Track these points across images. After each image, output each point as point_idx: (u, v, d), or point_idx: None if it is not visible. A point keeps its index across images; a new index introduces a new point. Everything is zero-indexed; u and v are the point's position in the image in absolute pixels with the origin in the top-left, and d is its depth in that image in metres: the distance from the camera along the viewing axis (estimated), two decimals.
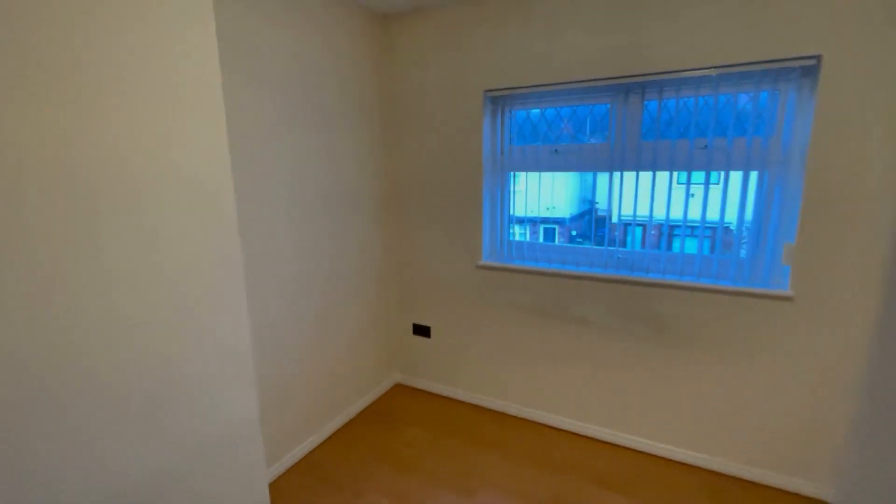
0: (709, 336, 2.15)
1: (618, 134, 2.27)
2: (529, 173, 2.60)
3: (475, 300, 2.75)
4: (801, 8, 1.78)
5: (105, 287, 1.04)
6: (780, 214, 2.01)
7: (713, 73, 1.98)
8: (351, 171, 2.55)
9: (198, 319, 1.25)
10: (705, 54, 1.96)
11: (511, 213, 2.68)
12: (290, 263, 2.21)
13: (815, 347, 1.96)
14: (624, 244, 2.40)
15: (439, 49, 2.57)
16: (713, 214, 2.13)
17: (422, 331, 3.00)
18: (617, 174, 2.30)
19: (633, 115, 2.23)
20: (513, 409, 2.75)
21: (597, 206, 2.63)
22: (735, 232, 2.14)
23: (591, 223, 2.52)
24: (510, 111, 2.56)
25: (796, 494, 2.08)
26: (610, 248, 2.40)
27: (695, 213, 2.17)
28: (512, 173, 2.63)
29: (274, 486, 2.16)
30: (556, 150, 2.44)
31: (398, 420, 2.72)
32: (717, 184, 2.12)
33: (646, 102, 2.19)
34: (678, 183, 2.20)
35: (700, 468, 2.26)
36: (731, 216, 2.13)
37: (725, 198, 2.09)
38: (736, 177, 2.08)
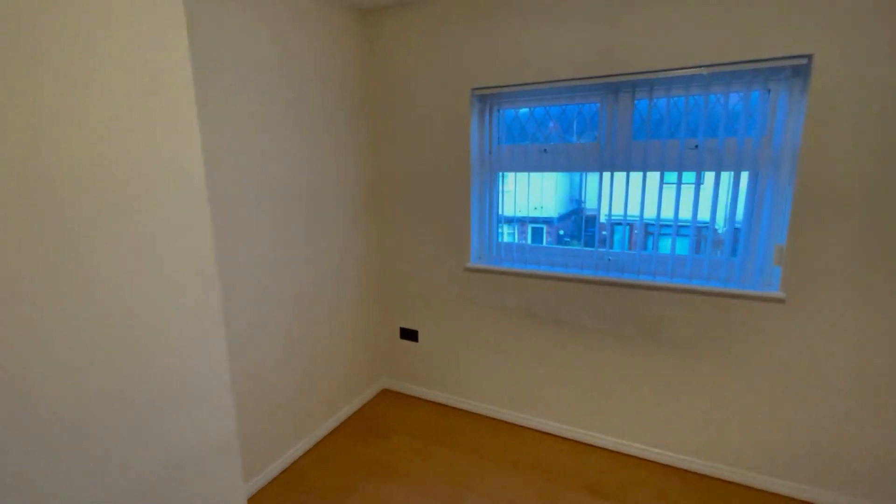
0: (699, 338, 2.13)
1: (608, 134, 2.23)
2: (518, 173, 2.56)
3: (464, 303, 2.69)
4: (792, 7, 1.76)
5: (73, 293, 0.95)
6: (770, 215, 1.99)
7: (704, 72, 1.95)
8: (334, 170, 2.47)
9: (168, 325, 1.16)
10: (695, 53, 1.93)
11: (500, 213, 2.63)
12: (269, 266, 2.12)
13: (806, 349, 1.94)
14: (612, 244, 2.37)
15: (425, 45, 2.51)
16: (703, 215, 2.11)
17: (409, 335, 2.93)
18: (607, 174, 2.26)
19: (623, 115, 2.19)
20: (502, 413, 2.70)
21: (584, 205, 2.60)
22: (725, 233, 2.12)
23: (578, 223, 2.48)
24: (498, 110, 2.51)
25: (787, 497, 2.06)
26: (601, 249, 2.36)
27: (685, 214, 2.15)
28: (500, 173, 2.58)
29: (254, 501, 2.07)
30: (545, 150, 2.40)
31: (385, 427, 2.64)
32: (702, 184, 2.10)
33: (636, 102, 2.16)
34: (666, 183, 2.17)
35: (690, 472, 2.23)
36: (722, 217, 2.11)
37: (716, 198, 2.07)
38: (727, 177, 2.06)
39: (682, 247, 2.20)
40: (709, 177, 2.08)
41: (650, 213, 2.22)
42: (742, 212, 2.06)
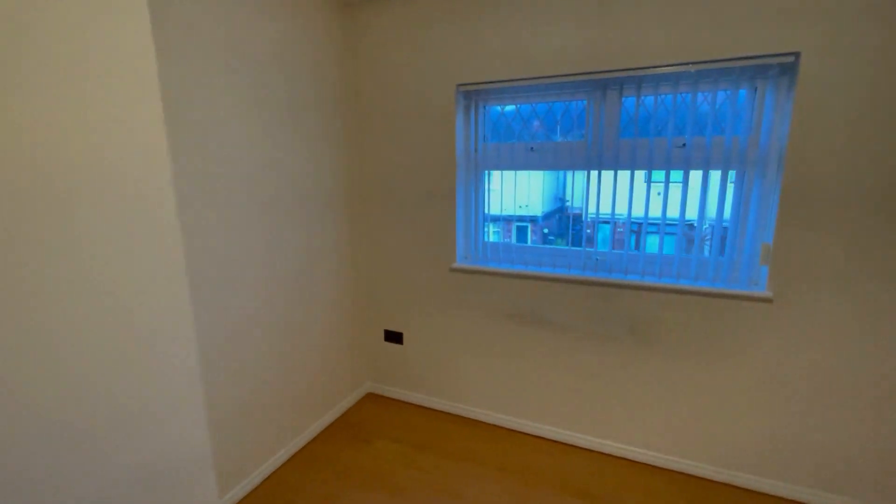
0: (688, 338, 2.12)
1: (595, 131, 2.20)
2: (503, 172, 2.50)
3: (449, 305, 2.64)
4: (779, 5, 1.74)
5: (23, 302, 0.86)
6: (757, 214, 1.99)
7: (692, 69, 1.93)
8: (315, 169, 2.39)
9: (133, 336, 1.08)
10: (683, 50, 1.90)
11: (486, 212, 2.58)
12: (247, 268, 2.03)
13: (793, 348, 1.94)
14: (598, 243, 2.34)
15: (409, 40, 2.43)
16: (691, 214, 2.09)
17: (394, 337, 2.86)
18: (594, 173, 2.23)
19: (611, 113, 2.16)
20: (489, 417, 2.66)
21: (567, 204, 2.57)
22: (713, 232, 2.10)
23: (562, 221, 2.45)
24: (484, 107, 2.45)
25: (776, 497, 2.06)
26: (588, 249, 2.33)
27: (673, 213, 2.13)
28: (486, 171, 2.53)
29: None
30: (531, 148, 2.36)
31: (370, 432, 2.58)
32: (684, 182, 2.08)
33: (623, 99, 2.13)
34: (654, 181, 2.15)
35: (679, 473, 2.22)
36: (709, 216, 2.10)
37: (705, 197, 2.05)
38: (714, 176, 2.04)
39: (669, 246, 2.18)
40: (696, 175, 2.06)
41: (637, 212, 2.19)
42: (730, 211, 2.05)
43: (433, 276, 2.65)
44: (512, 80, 2.25)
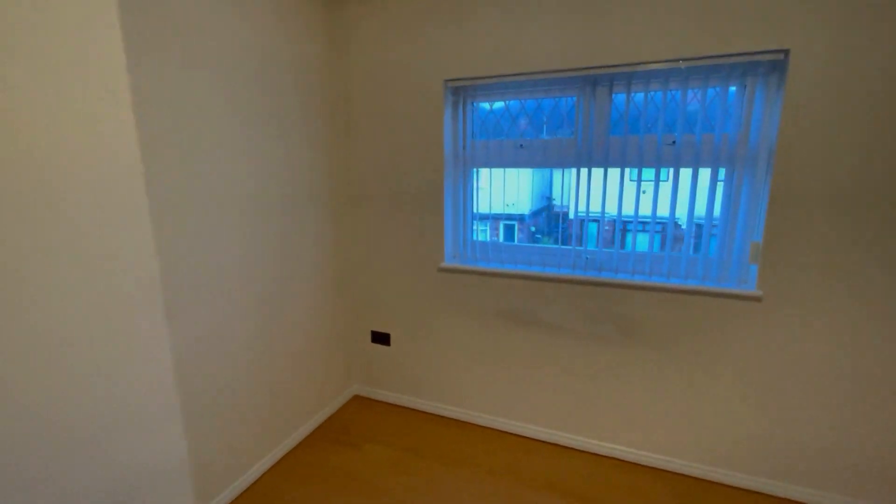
0: (678, 337, 2.10)
1: (584, 128, 2.17)
2: (492, 169, 2.46)
3: (438, 305, 2.59)
4: (770, 1, 1.73)
5: None
6: (746, 212, 1.98)
7: (682, 65, 1.91)
8: (299, 167, 2.31)
9: (104, 342, 1.01)
10: (674, 46, 1.88)
11: (474, 210, 2.54)
12: (229, 268, 1.96)
13: (783, 346, 1.94)
14: (584, 241, 2.31)
15: (396, 35, 2.37)
16: (681, 212, 2.08)
17: (381, 338, 2.81)
18: (584, 170, 2.20)
19: (601, 109, 2.13)
20: (479, 418, 2.62)
21: (554, 202, 2.54)
22: (701, 230, 2.09)
23: (549, 219, 2.42)
24: (473, 103, 2.41)
25: (767, 495, 2.07)
26: (577, 248, 2.31)
27: (662, 211, 2.11)
28: (475, 169, 2.48)
29: None
30: (520, 146, 2.32)
31: (357, 436, 2.52)
32: (674, 180, 2.06)
33: (613, 96, 2.10)
34: (643, 179, 2.13)
35: (668, 472, 2.22)
36: (699, 214, 2.08)
37: (694, 195, 2.04)
38: (704, 174, 2.03)
39: (659, 244, 2.16)
40: (686, 173, 2.05)
41: (627, 210, 2.17)
42: (719, 209, 2.04)
43: (421, 276, 2.60)
44: (501, 76, 2.21)
